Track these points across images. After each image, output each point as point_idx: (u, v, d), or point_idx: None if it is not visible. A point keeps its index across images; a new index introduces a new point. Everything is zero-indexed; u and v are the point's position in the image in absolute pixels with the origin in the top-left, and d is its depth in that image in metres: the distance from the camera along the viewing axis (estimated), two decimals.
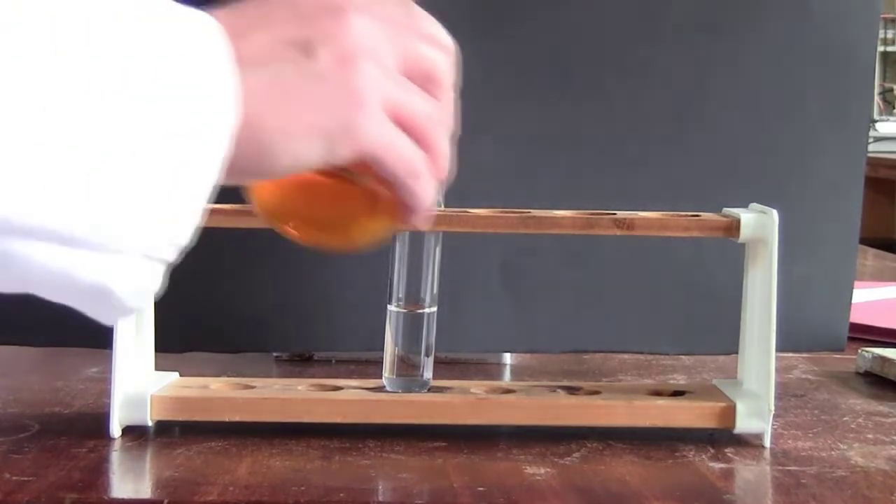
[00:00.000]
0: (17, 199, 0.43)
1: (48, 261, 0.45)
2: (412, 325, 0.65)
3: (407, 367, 0.65)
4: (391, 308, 0.66)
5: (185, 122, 0.45)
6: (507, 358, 0.83)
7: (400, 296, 0.65)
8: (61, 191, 0.44)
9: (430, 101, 0.53)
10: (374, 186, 0.55)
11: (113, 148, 0.44)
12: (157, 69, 0.45)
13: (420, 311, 0.65)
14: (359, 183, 0.55)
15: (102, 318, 0.50)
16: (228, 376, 0.68)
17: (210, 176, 0.47)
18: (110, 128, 0.44)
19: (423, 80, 0.53)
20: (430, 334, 0.66)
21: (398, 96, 0.52)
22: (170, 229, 0.47)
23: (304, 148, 0.49)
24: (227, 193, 0.63)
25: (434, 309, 0.66)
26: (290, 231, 0.58)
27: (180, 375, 0.67)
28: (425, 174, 0.53)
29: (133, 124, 0.44)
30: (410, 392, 0.65)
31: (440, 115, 0.54)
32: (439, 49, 0.54)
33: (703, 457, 0.61)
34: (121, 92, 0.44)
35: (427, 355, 0.66)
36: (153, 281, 0.49)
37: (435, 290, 0.66)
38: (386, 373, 0.66)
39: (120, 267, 0.47)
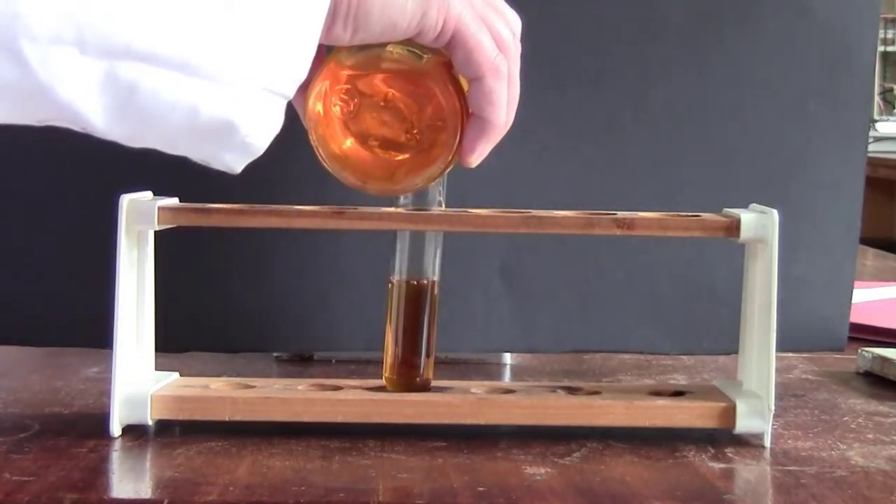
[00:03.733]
0: (140, 25, 0.44)
1: (173, 93, 0.46)
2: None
3: (407, 367, 0.65)
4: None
5: None
6: (507, 358, 0.83)
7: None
8: (180, 19, 0.45)
9: (509, 31, 0.57)
10: (450, 84, 0.57)
11: None
12: None
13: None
14: (438, 81, 0.57)
15: (227, 160, 0.51)
16: (228, 376, 0.68)
17: (321, 8, 0.49)
18: None
19: (497, 11, 0.57)
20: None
21: (486, 11, 0.56)
22: (287, 61, 0.49)
23: (400, 1, 0.52)
24: (226, 193, 0.63)
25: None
26: (347, 176, 0.59)
27: (180, 375, 0.67)
28: (506, 77, 0.56)
29: None
30: (410, 392, 0.65)
31: (516, 48, 0.58)
32: (510, 12, 0.58)
33: (703, 457, 0.61)
34: None
35: (427, 356, 0.66)
36: (275, 118, 0.50)
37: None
38: (386, 373, 0.66)
39: (243, 101, 0.48)
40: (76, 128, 0.47)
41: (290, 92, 0.50)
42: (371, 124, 0.59)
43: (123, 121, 0.47)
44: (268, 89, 0.49)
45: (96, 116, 0.46)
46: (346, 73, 0.57)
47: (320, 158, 0.59)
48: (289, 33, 0.48)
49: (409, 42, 0.55)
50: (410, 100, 0.58)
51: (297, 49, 0.49)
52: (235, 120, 0.48)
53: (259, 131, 0.50)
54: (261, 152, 0.51)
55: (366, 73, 0.57)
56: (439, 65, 0.57)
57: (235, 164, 0.52)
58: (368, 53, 0.57)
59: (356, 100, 0.58)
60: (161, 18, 0.45)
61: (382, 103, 0.58)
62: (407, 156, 0.59)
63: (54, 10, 0.43)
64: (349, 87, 0.58)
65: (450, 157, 0.59)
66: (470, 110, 0.58)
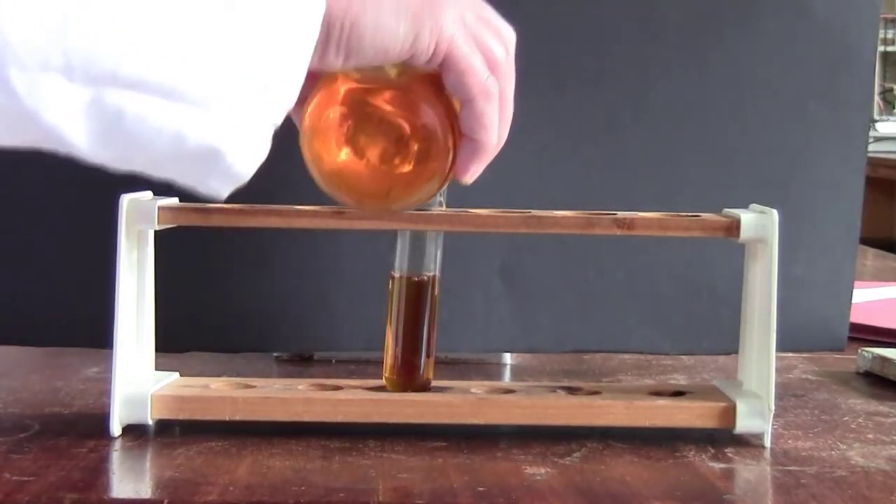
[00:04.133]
0: (127, 52, 0.44)
1: (159, 119, 0.46)
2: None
3: (407, 367, 0.65)
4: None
5: None
6: (507, 358, 0.83)
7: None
8: (168, 46, 0.45)
9: (503, 49, 0.57)
10: (442, 105, 0.57)
11: (218, 3, 0.45)
12: None
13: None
14: (429, 101, 0.57)
15: (212, 186, 0.51)
16: (228, 376, 0.68)
17: (311, 34, 0.49)
18: None
19: (490, 28, 0.57)
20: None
21: (479, 30, 0.56)
22: (275, 89, 0.48)
23: (391, 26, 0.51)
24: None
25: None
26: (343, 195, 0.59)
27: (180, 375, 0.67)
28: (497, 99, 0.56)
29: None
30: (410, 392, 0.65)
31: (509, 65, 0.57)
32: (504, 27, 0.58)
33: (703, 457, 0.61)
34: None
35: (427, 355, 0.66)
36: (262, 145, 0.50)
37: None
38: (386, 373, 0.66)
39: (230, 128, 0.47)
40: (61, 150, 0.47)
41: (278, 119, 0.50)
42: (366, 140, 0.59)
43: (109, 145, 0.47)
44: (255, 116, 0.48)
45: (81, 141, 0.46)
46: (341, 89, 0.57)
47: (315, 177, 0.59)
48: (278, 61, 0.48)
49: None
50: (404, 115, 0.58)
51: (286, 77, 0.49)
52: (221, 147, 0.48)
53: (245, 158, 0.49)
54: (246, 179, 0.51)
55: (361, 90, 0.58)
56: (432, 81, 0.58)
57: (221, 190, 0.51)
58: (364, 71, 0.57)
59: (351, 116, 0.58)
60: (149, 45, 0.44)
61: (377, 119, 0.58)
62: (402, 171, 0.59)
63: (43, 37, 0.42)
64: (344, 103, 0.58)
65: (444, 175, 0.59)
66: (462, 131, 0.58)
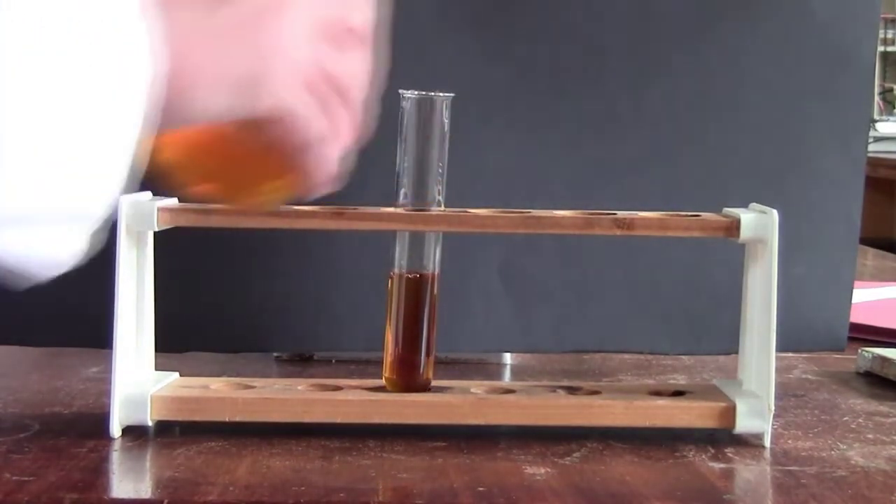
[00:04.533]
0: None
1: None
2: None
3: (407, 367, 0.65)
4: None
5: (102, 71, 0.43)
6: (507, 358, 0.83)
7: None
8: None
9: (344, 59, 0.54)
10: (279, 146, 0.55)
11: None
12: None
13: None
14: (264, 142, 0.54)
15: (21, 285, 0.49)
16: (228, 376, 0.68)
17: (125, 161, 0.45)
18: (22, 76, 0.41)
19: (339, 35, 0.53)
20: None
21: (311, 56, 0.52)
22: (88, 208, 0.46)
23: (212, 98, 0.49)
24: None
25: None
26: (192, 187, 0.58)
27: (180, 375, 0.67)
28: (329, 138, 0.54)
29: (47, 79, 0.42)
30: (410, 392, 0.65)
31: (352, 75, 0.54)
32: (356, 7, 0.54)
33: (703, 457, 0.61)
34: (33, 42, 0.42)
35: (427, 355, 0.66)
36: (79, 248, 0.48)
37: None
38: (386, 373, 0.66)
39: (38, 242, 0.46)
40: None
41: (94, 229, 0.47)
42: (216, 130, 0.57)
43: None
44: (68, 232, 0.47)
45: None
46: None
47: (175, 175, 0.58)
48: (92, 188, 0.45)
49: None
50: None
51: (99, 201, 0.46)
52: (32, 255, 0.47)
53: (58, 261, 0.48)
54: (68, 268, 0.49)
55: None
56: None
57: (40, 277, 0.50)
58: None
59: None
60: None
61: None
62: (256, 156, 0.58)
63: None
64: None
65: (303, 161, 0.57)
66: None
